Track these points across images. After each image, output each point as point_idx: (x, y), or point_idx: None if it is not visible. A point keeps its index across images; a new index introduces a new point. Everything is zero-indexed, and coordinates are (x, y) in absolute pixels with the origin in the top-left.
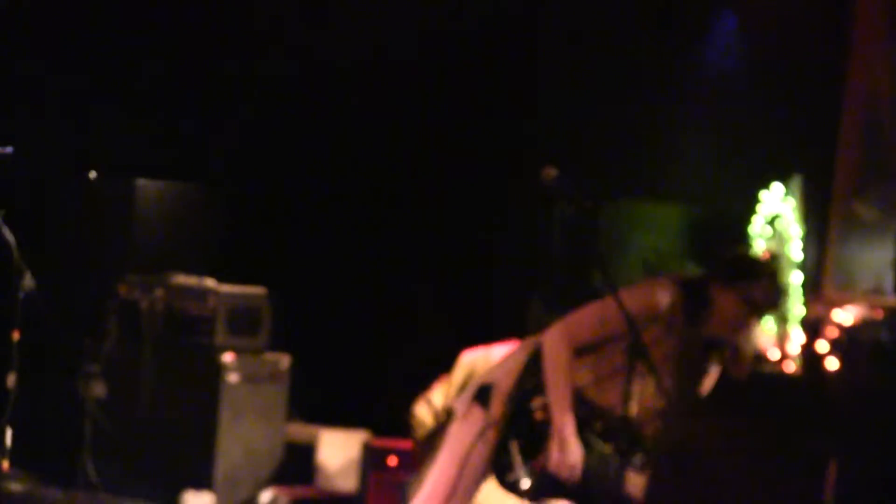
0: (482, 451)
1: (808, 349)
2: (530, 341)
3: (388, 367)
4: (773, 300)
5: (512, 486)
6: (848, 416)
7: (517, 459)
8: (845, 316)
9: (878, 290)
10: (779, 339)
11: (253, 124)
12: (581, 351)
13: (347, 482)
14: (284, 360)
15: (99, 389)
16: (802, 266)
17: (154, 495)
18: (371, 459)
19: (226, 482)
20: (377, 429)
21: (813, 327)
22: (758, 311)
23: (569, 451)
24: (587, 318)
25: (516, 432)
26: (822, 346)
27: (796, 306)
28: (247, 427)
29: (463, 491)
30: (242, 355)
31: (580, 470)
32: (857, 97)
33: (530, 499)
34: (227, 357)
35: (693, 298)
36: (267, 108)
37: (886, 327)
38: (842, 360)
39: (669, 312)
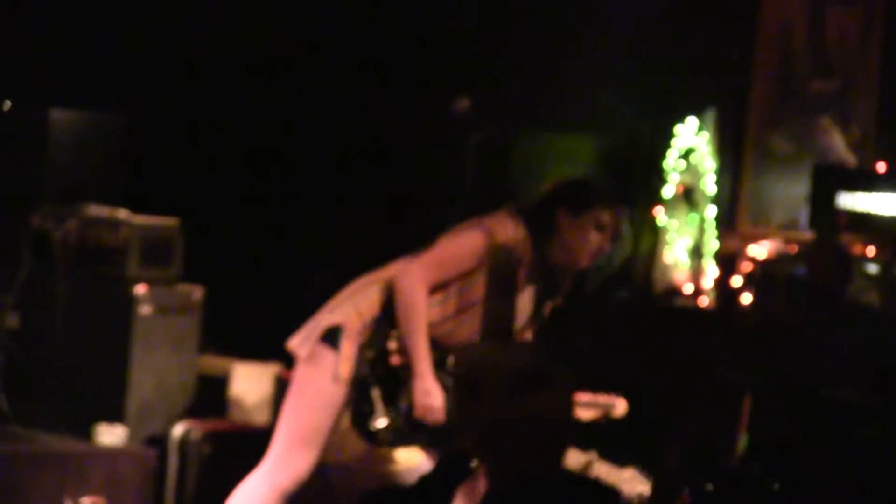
0: (338, 393)
1: (722, 283)
2: (373, 278)
3: (301, 299)
4: (615, 227)
5: (375, 436)
6: (762, 350)
7: (379, 407)
8: (760, 250)
9: (792, 225)
10: (693, 273)
11: (165, 54)
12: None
13: (261, 415)
14: (197, 292)
15: (11, 321)
16: (717, 200)
17: (67, 428)
18: (284, 392)
19: (138, 415)
20: (291, 361)
21: (727, 261)
22: (606, 238)
23: (431, 397)
24: (453, 255)
25: (375, 379)
26: (736, 280)
27: (711, 240)
28: (159, 359)
29: (328, 434)
30: (155, 286)
31: (443, 413)
32: (771, 28)
33: (394, 445)
34: (140, 288)
35: (537, 228)
36: (180, 37)
37: (801, 261)
38: (756, 294)
39: (514, 246)
